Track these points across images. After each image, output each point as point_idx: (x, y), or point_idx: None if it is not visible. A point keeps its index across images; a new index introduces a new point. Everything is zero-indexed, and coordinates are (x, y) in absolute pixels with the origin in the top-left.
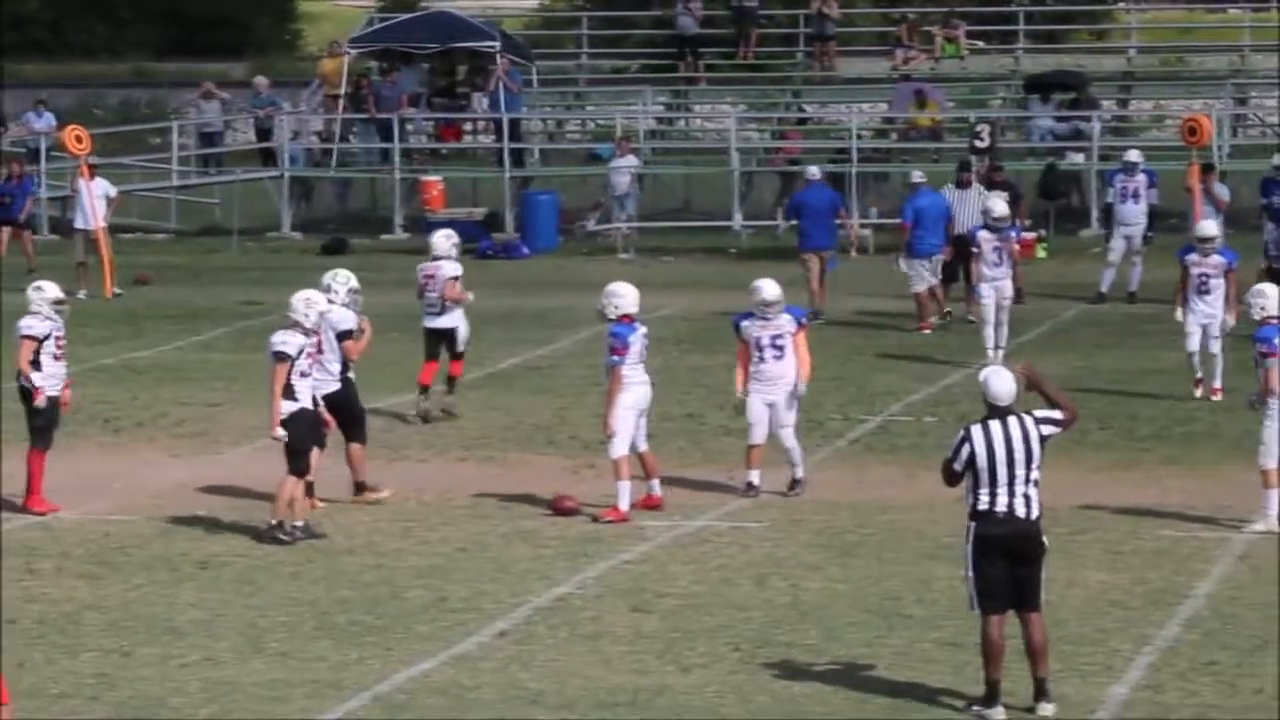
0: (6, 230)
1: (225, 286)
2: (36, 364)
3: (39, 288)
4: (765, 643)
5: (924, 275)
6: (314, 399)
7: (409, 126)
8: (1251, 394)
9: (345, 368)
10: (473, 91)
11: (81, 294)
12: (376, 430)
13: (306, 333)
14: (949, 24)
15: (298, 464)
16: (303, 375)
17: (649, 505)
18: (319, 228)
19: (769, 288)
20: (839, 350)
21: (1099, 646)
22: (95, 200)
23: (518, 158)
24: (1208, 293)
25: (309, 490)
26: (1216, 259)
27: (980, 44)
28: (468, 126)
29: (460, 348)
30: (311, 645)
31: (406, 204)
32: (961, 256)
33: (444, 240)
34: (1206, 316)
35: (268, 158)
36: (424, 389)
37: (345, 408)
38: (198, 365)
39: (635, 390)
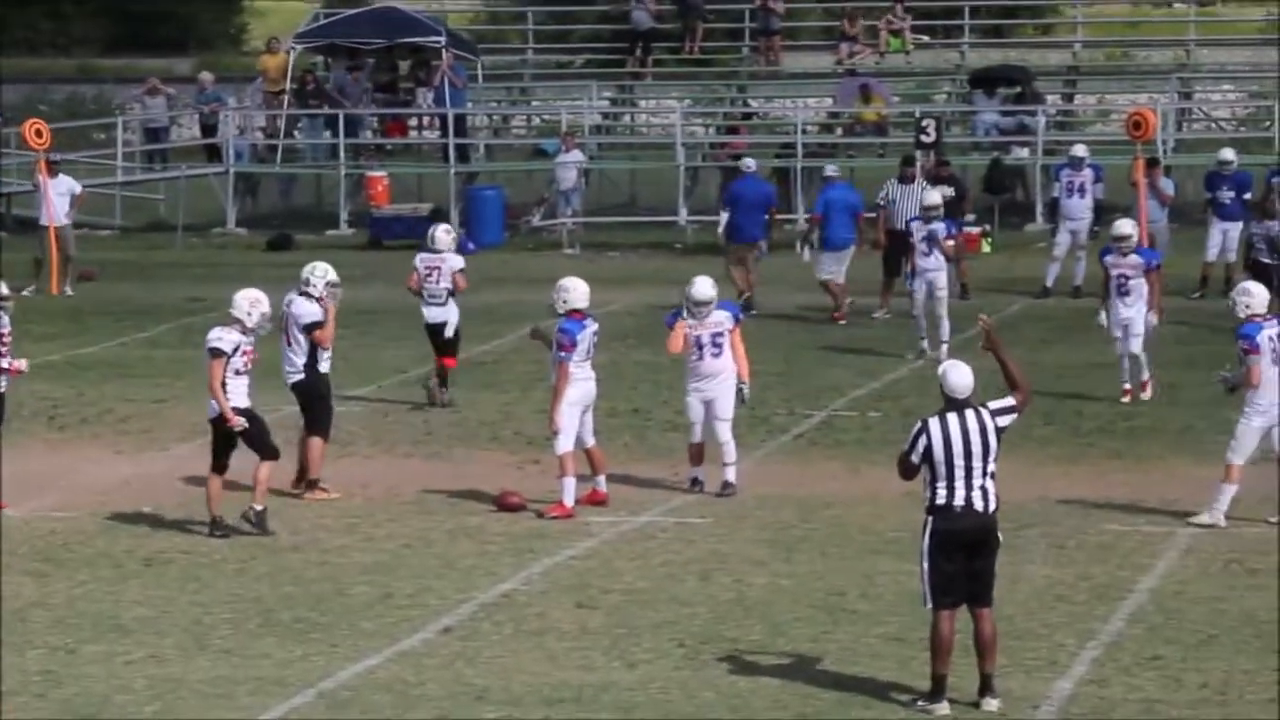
0: None
1: (170, 283)
2: None
3: None
4: (711, 638)
5: (828, 266)
6: (246, 398)
7: (359, 123)
8: (1223, 372)
9: (313, 359)
10: (417, 86)
11: (28, 291)
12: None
13: (245, 331)
14: (894, 18)
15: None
16: (237, 374)
17: (594, 501)
18: (264, 224)
19: (702, 286)
20: (783, 345)
21: (1044, 641)
22: (57, 197)
23: (463, 153)
24: (1127, 293)
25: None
26: (1134, 259)
27: (925, 38)
28: (412, 122)
29: (449, 334)
30: (256, 642)
31: (352, 200)
32: (904, 250)
33: (445, 234)
34: (1125, 318)
35: (213, 154)
36: (443, 378)
37: (313, 399)
38: (142, 361)
39: (581, 386)
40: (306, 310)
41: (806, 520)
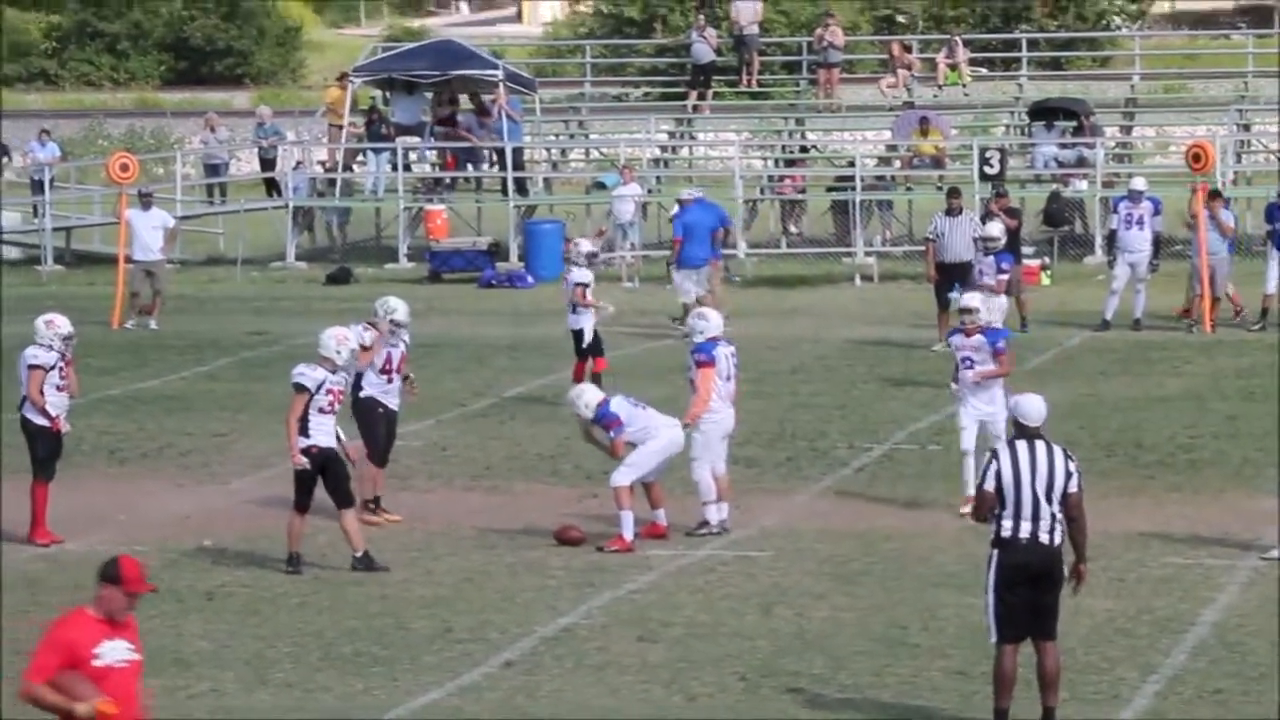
0: None
1: (230, 316)
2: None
3: (49, 321)
4: (771, 671)
5: (689, 287)
6: (337, 437)
7: (412, 156)
8: None
9: (358, 383)
10: (475, 120)
11: (130, 324)
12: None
13: (334, 369)
14: (951, 51)
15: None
16: (321, 411)
17: (654, 534)
18: (323, 257)
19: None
20: (842, 378)
21: (1105, 674)
22: (150, 230)
23: (521, 187)
24: (977, 382)
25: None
26: (978, 339)
27: (983, 71)
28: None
29: (583, 345)
30: (317, 676)
31: (411, 233)
32: (953, 283)
33: (572, 248)
34: (982, 415)
35: (271, 187)
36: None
37: (358, 421)
38: (203, 396)
39: (667, 434)
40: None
41: (867, 554)
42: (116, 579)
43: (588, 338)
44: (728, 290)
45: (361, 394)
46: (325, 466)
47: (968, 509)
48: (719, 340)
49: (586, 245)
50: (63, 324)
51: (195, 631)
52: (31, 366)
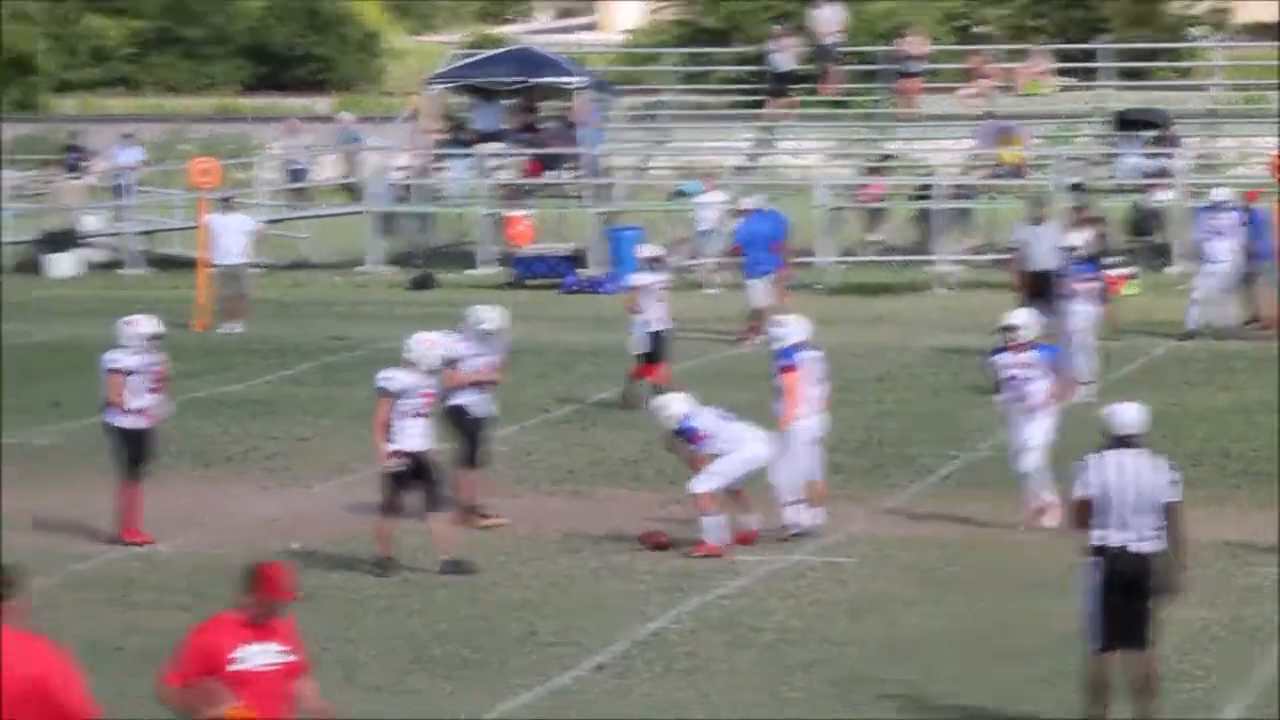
0: None
1: (313, 321)
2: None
3: (130, 322)
4: (861, 678)
5: (758, 293)
6: (422, 441)
7: (493, 162)
8: None
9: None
10: (558, 128)
11: (223, 329)
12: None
13: (425, 374)
14: (1032, 61)
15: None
16: (416, 415)
17: (743, 540)
18: (406, 262)
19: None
20: (928, 386)
21: (1198, 683)
22: (234, 234)
23: (603, 193)
24: (1020, 399)
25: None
26: (1029, 355)
27: (1064, 81)
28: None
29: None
30: (407, 679)
31: (493, 239)
32: (1036, 292)
33: (637, 249)
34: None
35: (353, 193)
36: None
37: (452, 431)
38: (287, 399)
39: (752, 447)
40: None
41: (954, 561)
42: (257, 586)
43: (642, 345)
44: (803, 298)
45: (449, 402)
46: (416, 470)
47: (1049, 520)
48: (802, 346)
49: (647, 250)
50: (145, 324)
51: None
52: (110, 370)
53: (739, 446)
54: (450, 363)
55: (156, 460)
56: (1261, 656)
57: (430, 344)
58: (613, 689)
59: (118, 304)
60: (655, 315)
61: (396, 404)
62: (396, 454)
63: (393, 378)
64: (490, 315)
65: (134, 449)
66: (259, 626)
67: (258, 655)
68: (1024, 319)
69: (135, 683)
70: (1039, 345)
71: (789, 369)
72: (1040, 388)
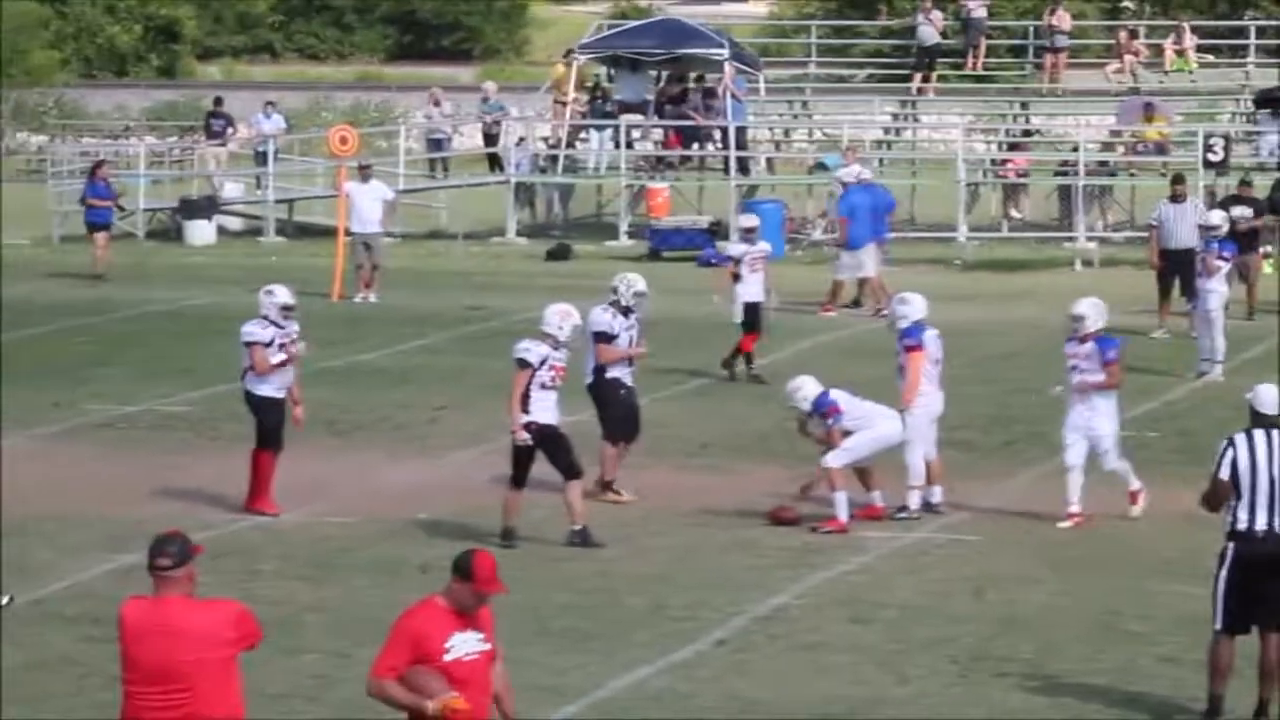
0: (101, 235)
1: (449, 291)
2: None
3: (270, 291)
4: (983, 655)
5: (849, 265)
6: (553, 414)
7: (635, 133)
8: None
9: (602, 366)
10: (701, 100)
11: (359, 298)
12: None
13: (557, 345)
14: (1179, 37)
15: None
16: (543, 388)
17: (870, 516)
18: (544, 233)
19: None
20: (1063, 364)
21: None
22: (370, 203)
23: (743, 166)
24: (1082, 391)
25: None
26: (1089, 347)
27: (1210, 58)
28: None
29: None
30: (529, 650)
31: (631, 211)
32: (1176, 271)
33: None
34: (1090, 430)
35: (494, 163)
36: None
37: (601, 403)
38: (421, 369)
39: (885, 425)
40: (596, 320)
41: (1081, 540)
42: (468, 575)
43: (741, 314)
44: (939, 273)
45: (608, 375)
46: (545, 441)
47: (1069, 523)
48: (924, 325)
49: (746, 220)
50: (282, 294)
51: (409, 603)
52: (248, 344)
53: (872, 424)
54: (607, 338)
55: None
56: None
57: (565, 314)
58: (733, 663)
59: (256, 271)
60: (752, 287)
61: (535, 376)
62: (528, 426)
63: (530, 349)
64: (641, 281)
65: (271, 417)
66: (465, 614)
67: (465, 644)
68: (1088, 309)
69: (249, 654)
70: (1100, 338)
71: (915, 348)
72: (1094, 380)
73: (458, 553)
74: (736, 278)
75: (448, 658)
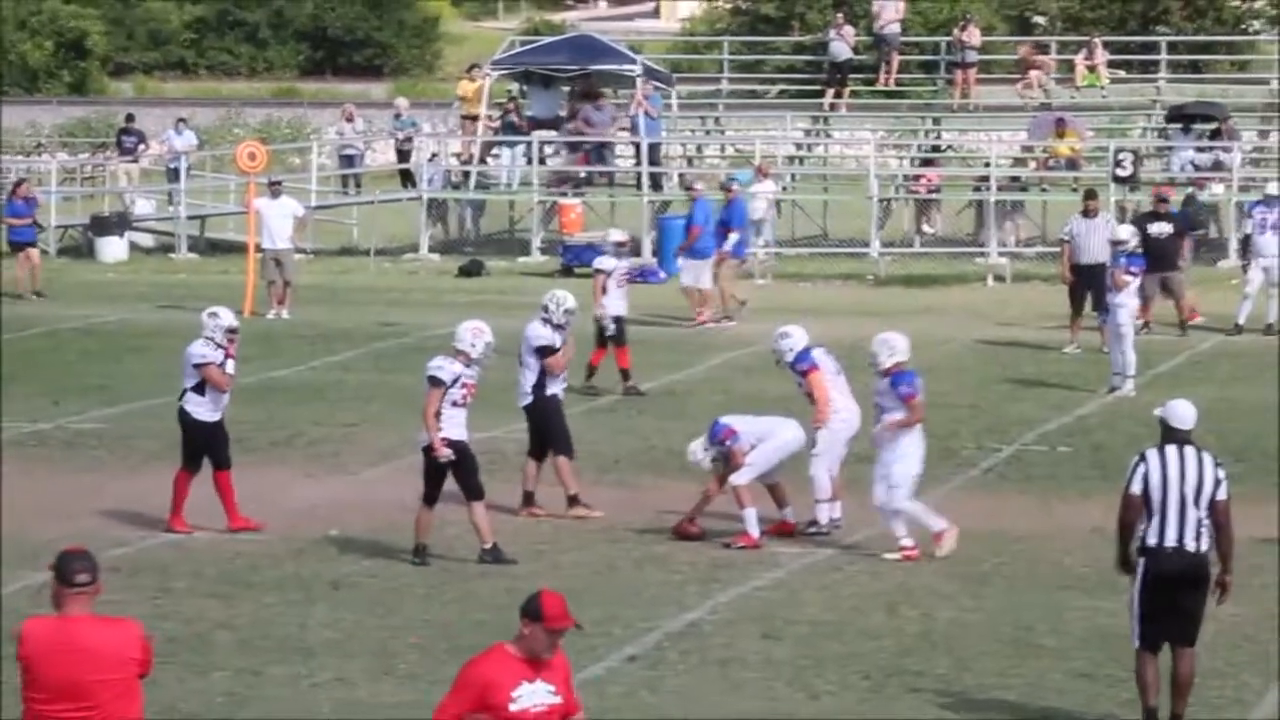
0: (32, 252)
1: (362, 307)
2: (201, 390)
3: (214, 314)
4: (896, 671)
5: (690, 273)
6: (462, 431)
7: (547, 149)
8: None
9: (541, 383)
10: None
11: (271, 314)
12: (512, 455)
13: (469, 362)
14: (1090, 53)
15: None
16: (454, 405)
17: (782, 531)
18: (456, 250)
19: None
20: (974, 378)
21: (1229, 680)
22: (280, 219)
23: (656, 182)
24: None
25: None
26: (884, 384)
27: (1121, 73)
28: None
29: (606, 333)
30: (443, 668)
31: (544, 227)
32: (1087, 286)
33: (606, 234)
34: (886, 470)
35: (406, 179)
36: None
37: (542, 421)
38: (333, 385)
39: (784, 432)
40: (537, 334)
41: (995, 555)
42: (538, 615)
43: (609, 327)
44: (852, 288)
45: (547, 392)
46: (456, 459)
47: (897, 556)
48: (810, 348)
49: (616, 234)
50: (226, 316)
51: (321, 620)
52: (198, 365)
53: (773, 434)
54: (550, 351)
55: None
56: None
57: (477, 332)
58: (645, 679)
59: (168, 288)
60: (618, 301)
61: (446, 393)
62: (445, 442)
63: (443, 366)
64: (571, 299)
65: (203, 440)
66: (537, 663)
67: (533, 695)
68: (877, 345)
69: (160, 671)
70: (896, 373)
71: (811, 370)
72: (893, 420)
73: (524, 600)
74: (604, 290)
75: (513, 707)
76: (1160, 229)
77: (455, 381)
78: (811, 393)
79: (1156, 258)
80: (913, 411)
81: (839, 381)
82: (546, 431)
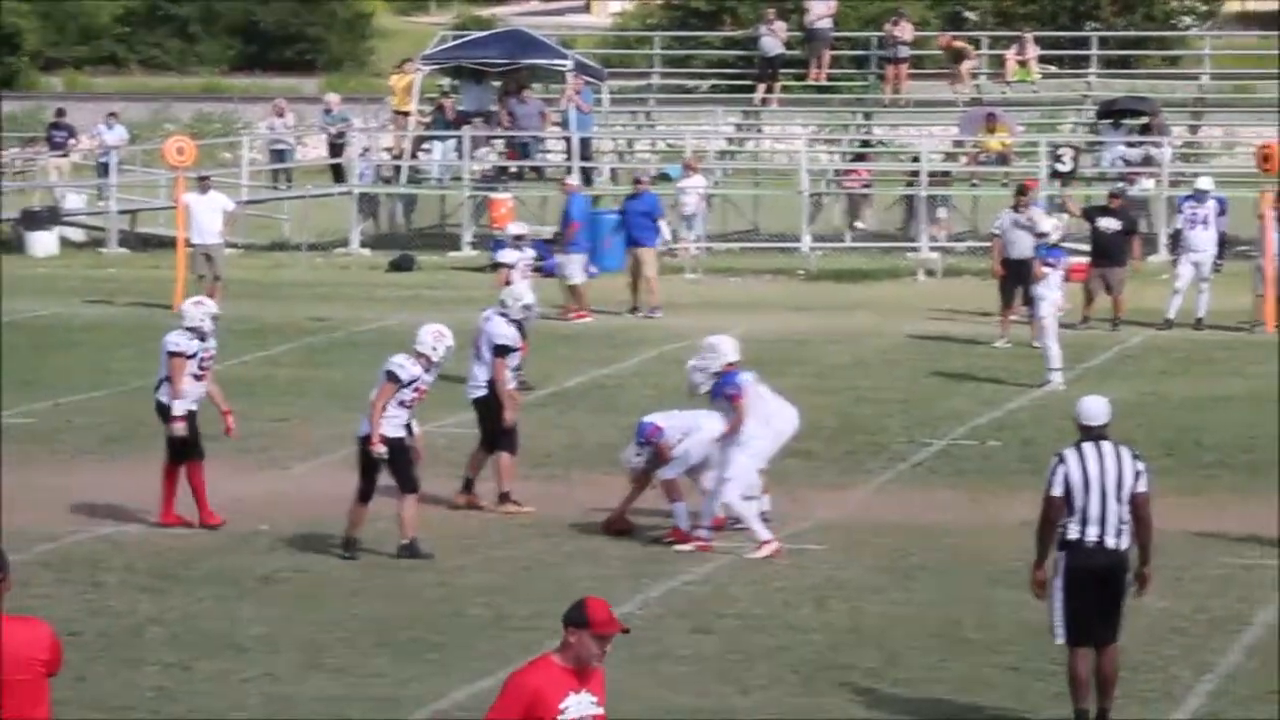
0: None
1: (293, 302)
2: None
3: (200, 302)
4: (826, 665)
5: (566, 267)
6: (409, 429)
7: (478, 144)
8: None
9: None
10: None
11: None
12: (442, 449)
13: (429, 366)
14: (1021, 48)
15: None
16: (401, 405)
17: (711, 526)
18: (387, 244)
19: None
20: (905, 373)
21: (1159, 673)
22: (209, 213)
23: (586, 177)
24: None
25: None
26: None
27: (1052, 68)
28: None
29: None
30: (371, 661)
31: (475, 222)
32: (1017, 280)
33: (506, 227)
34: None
35: (337, 174)
36: None
37: (495, 416)
38: (264, 380)
39: (710, 424)
40: (500, 331)
41: (924, 549)
42: (584, 622)
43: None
44: (783, 283)
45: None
46: (391, 454)
47: (765, 552)
48: (736, 369)
49: (515, 227)
50: (210, 303)
51: (250, 616)
52: (172, 354)
53: (699, 427)
54: (508, 350)
55: (127, 442)
56: (1225, 648)
57: (439, 335)
58: None
59: (98, 283)
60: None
61: (398, 392)
62: (383, 439)
63: (403, 365)
64: (529, 294)
65: (189, 429)
66: (582, 673)
67: (579, 707)
68: (714, 345)
69: (91, 666)
70: (726, 373)
71: (736, 396)
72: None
73: (566, 609)
74: (509, 283)
75: (561, 719)
76: (1109, 224)
77: (411, 383)
78: (731, 410)
79: (1101, 252)
80: (738, 412)
81: (763, 405)
82: (496, 425)
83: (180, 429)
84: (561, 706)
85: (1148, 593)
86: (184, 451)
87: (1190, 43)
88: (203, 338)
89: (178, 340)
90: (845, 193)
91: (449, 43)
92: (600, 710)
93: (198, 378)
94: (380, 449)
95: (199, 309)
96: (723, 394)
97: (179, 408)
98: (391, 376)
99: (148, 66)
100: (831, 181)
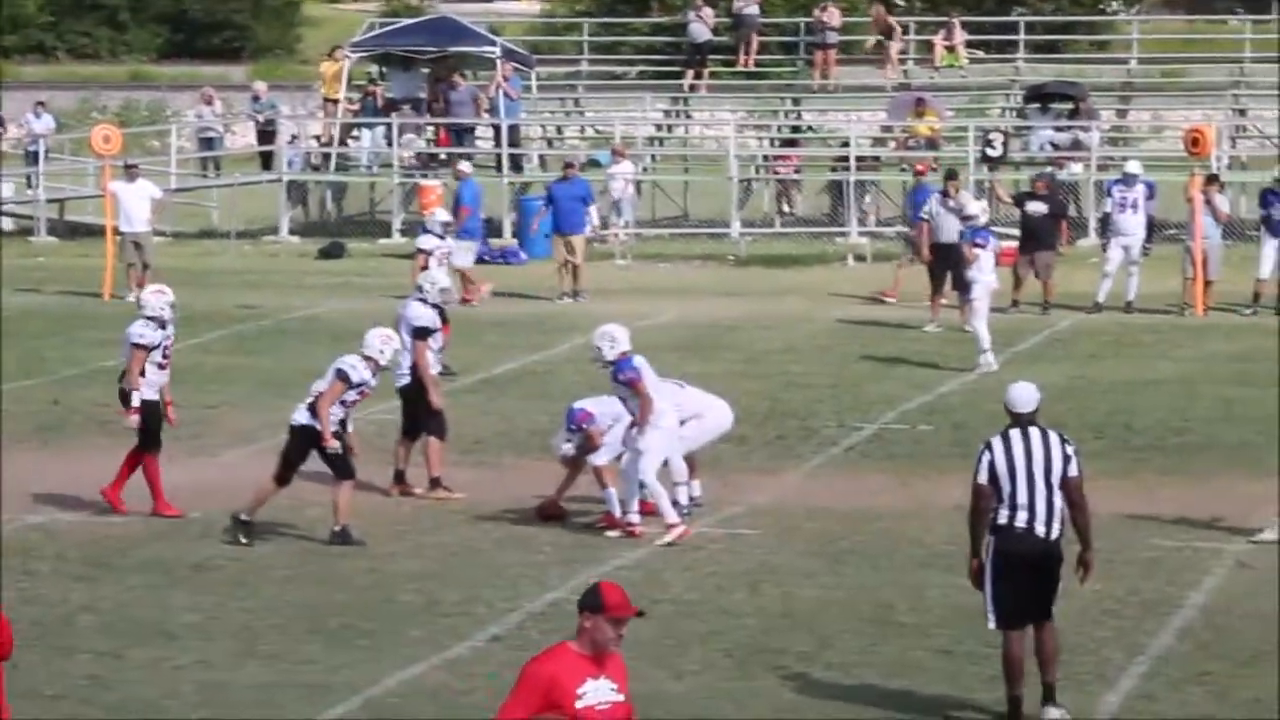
0: None
1: (222, 290)
2: (141, 369)
3: (162, 291)
4: (759, 649)
5: (459, 253)
6: (343, 424)
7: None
8: None
9: (417, 367)
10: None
11: (130, 297)
12: (372, 436)
13: (376, 370)
14: (949, 33)
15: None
16: (342, 404)
17: (644, 511)
18: (317, 232)
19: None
20: (835, 358)
21: (1092, 655)
22: (137, 201)
23: (516, 163)
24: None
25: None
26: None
27: (980, 53)
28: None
29: None
30: (303, 648)
31: (404, 208)
32: (946, 265)
33: (430, 214)
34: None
35: (266, 161)
36: None
37: (420, 402)
38: (193, 368)
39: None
40: (417, 313)
41: (856, 533)
42: (599, 607)
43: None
44: (714, 269)
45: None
46: (411, 403)
47: (671, 536)
48: (629, 356)
49: (442, 214)
50: (170, 292)
51: (182, 604)
52: (135, 345)
53: (627, 413)
54: (428, 333)
55: (58, 430)
56: (1157, 630)
57: (386, 339)
58: (508, 659)
59: (27, 272)
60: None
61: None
62: (307, 429)
63: (356, 367)
64: (446, 278)
65: (153, 420)
66: (599, 659)
67: (598, 692)
68: (607, 334)
69: (23, 654)
70: (620, 360)
71: (635, 382)
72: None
73: (581, 594)
74: (425, 269)
75: (580, 704)
76: (1036, 208)
77: (358, 386)
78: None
79: (1030, 236)
80: (643, 397)
81: (667, 388)
82: (421, 411)
83: (135, 421)
84: (579, 692)
85: (1091, 579)
86: (148, 440)
87: (1118, 27)
88: (163, 325)
89: (142, 331)
90: (775, 178)
91: (377, 30)
92: (621, 697)
93: (161, 366)
94: (334, 444)
95: (160, 298)
96: (620, 380)
97: (137, 398)
98: (343, 376)
99: (76, 55)
100: (761, 167)
